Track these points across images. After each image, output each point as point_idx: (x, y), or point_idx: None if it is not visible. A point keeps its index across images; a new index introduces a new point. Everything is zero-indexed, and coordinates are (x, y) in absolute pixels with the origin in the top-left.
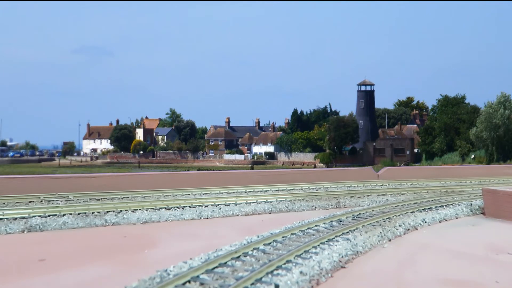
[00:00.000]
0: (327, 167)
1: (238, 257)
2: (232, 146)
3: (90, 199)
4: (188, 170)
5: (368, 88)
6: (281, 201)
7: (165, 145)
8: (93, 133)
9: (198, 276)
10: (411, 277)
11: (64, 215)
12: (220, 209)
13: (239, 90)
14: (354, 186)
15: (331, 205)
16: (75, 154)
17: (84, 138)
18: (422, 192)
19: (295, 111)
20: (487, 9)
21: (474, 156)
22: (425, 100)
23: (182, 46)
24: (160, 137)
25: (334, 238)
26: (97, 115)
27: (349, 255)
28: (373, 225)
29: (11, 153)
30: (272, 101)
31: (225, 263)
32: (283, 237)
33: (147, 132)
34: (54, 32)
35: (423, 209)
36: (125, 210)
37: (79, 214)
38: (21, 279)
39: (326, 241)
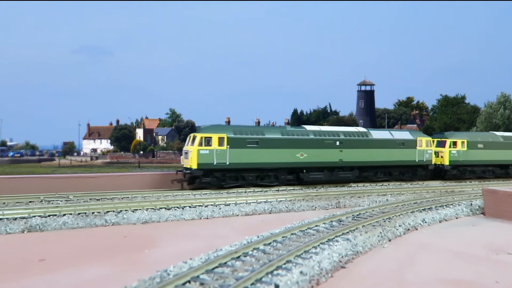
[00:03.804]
0: None
1: (238, 257)
2: None
3: (90, 199)
4: None
5: (368, 88)
6: (281, 201)
7: (165, 145)
8: (93, 133)
9: (198, 276)
10: (411, 277)
11: (64, 215)
12: (220, 209)
13: (239, 90)
14: (354, 186)
15: (331, 205)
16: (75, 154)
17: (84, 138)
18: (422, 192)
19: (295, 111)
20: (487, 9)
21: None
22: (425, 100)
23: (182, 46)
24: (160, 137)
25: (334, 238)
26: (97, 115)
27: (349, 255)
28: (373, 225)
29: (11, 153)
30: (272, 101)
31: (225, 263)
32: (283, 237)
33: (147, 132)
34: (54, 32)
35: (423, 209)
36: (125, 210)
37: (79, 214)
38: (21, 279)
39: (326, 241)
